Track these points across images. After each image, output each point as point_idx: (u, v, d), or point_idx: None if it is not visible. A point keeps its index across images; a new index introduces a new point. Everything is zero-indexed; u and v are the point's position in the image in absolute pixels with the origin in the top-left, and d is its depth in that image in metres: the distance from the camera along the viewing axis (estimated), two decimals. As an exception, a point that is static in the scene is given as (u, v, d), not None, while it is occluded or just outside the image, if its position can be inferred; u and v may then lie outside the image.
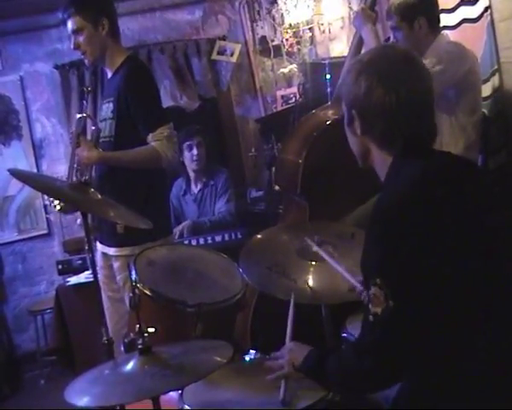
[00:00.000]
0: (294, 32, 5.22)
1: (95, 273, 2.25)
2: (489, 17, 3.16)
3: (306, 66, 4.90)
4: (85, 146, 2.90)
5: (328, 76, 3.96)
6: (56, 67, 5.20)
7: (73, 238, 5.10)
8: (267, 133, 5.09)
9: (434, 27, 3.00)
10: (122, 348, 1.86)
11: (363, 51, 3.16)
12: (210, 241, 4.25)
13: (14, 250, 5.33)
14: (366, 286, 1.53)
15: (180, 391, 1.89)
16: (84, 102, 3.21)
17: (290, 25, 5.20)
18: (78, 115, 3.03)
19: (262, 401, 1.82)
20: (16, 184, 5.08)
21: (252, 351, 2.21)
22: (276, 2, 5.25)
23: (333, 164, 3.12)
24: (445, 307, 1.48)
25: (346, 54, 3.81)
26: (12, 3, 4.75)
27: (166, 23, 5.38)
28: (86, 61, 3.06)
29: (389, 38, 3.37)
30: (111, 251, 3.02)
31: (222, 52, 5.32)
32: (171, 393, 1.87)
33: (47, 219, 5.33)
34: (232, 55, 5.30)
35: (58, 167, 5.21)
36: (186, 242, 4.15)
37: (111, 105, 2.97)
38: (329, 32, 5.25)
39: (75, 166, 2.90)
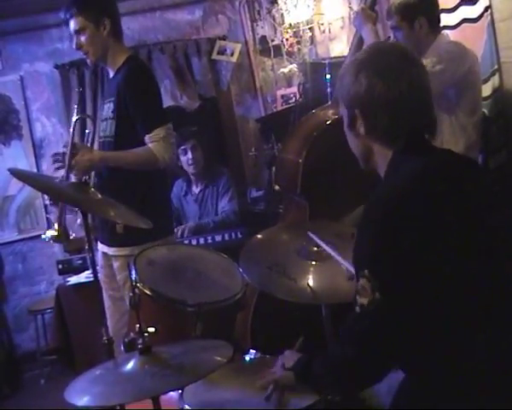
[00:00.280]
0: (294, 32, 5.22)
1: (95, 273, 2.25)
2: (489, 17, 3.16)
3: (306, 66, 4.89)
4: (83, 150, 2.91)
5: (328, 76, 3.96)
6: (56, 66, 5.20)
7: (73, 238, 5.10)
8: (267, 133, 5.09)
9: (435, 27, 3.00)
10: (122, 348, 1.86)
11: (361, 51, 3.16)
12: (210, 240, 4.24)
13: (14, 250, 5.34)
14: (356, 277, 1.53)
15: (180, 391, 1.89)
16: (75, 105, 3.21)
17: (290, 24, 5.20)
18: (74, 118, 3.03)
19: (262, 401, 1.82)
20: (16, 183, 5.08)
21: (252, 351, 2.21)
22: (277, 2, 5.25)
23: (333, 164, 3.12)
24: (438, 304, 1.48)
25: (346, 54, 3.82)
26: (12, 3, 4.75)
27: (167, 23, 5.38)
28: (88, 61, 3.06)
29: (389, 38, 3.37)
30: (111, 251, 3.02)
31: (222, 52, 5.32)
32: (171, 393, 1.87)
33: (47, 218, 5.33)
34: (232, 54, 5.30)
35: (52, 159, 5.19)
36: (186, 241, 4.15)
37: (111, 105, 2.98)
38: (329, 31, 5.25)
39: (75, 175, 2.88)
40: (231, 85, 5.48)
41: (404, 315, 1.48)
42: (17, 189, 5.22)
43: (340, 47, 5.18)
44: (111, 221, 2.83)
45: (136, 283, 2.23)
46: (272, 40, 5.39)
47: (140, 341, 1.71)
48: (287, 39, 5.28)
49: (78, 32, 2.95)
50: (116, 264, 3.00)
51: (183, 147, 4.50)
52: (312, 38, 5.29)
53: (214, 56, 5.32)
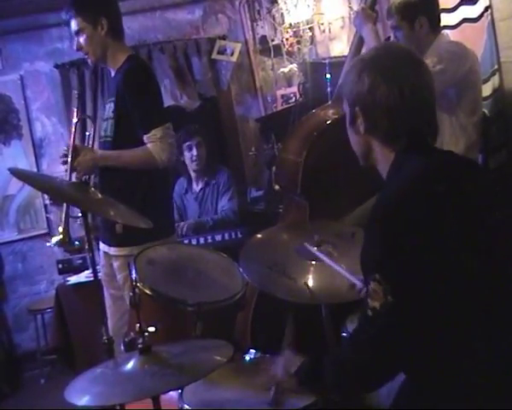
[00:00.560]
0: (295, 32, 5.22)
1: (95, 273, 2.25)
2: (489, 17, 3.16)
3: (306, 65, 4.89)
4: (85, 151, 2.93)
5: (328, 75, 3.95)
6: (56, 66, 5.20)
7: (73, 238, 5.10)
8: (267, 133, 5.09)
9: (435, 27, 3.00)
10: (122, 348, 1.86)
11: (363, 51, 3.16)
12: (210, 240, 4.25)
13: (14, 250, 5.34)
14: (365, 281, 1.53)
15: (180, 391, 1.89)
16: (74, 108, 3.21)
17: (290, 24, 5.20)
18: (74, 120, 3.04)
19: (262, 401, 1.82)
20: (16, 183, 5.08)
21: (252, 350, 2.20)
22: (277, 2, 5.25)
23: (333, 164, 3.12)
24: (443, 304, 1.48)
25: (346, 53, 3.81)
26: (12, 3, 4.75)
27: (167, 22, 5.39)
28: (89, 62, 3.08)
29: (389, 38, 3.36)
30: (111, 251, 3.03)
31: (222, 51, 5.32)
32: (171, 392, 1.87)
33: (47, 218, 5.33)
34: (232, 54, 5.30)
35: (58, 167, 5.16)
36: (186, 241, 4.15)
37: (112, 105, 2.99)
38: (329, 31, 5.24)
39: (77, 175, 2.88)
40: (231, 85, 5.48)
41: (414, 317, 1.48)
42: (17, 188, 5.22)
43: (340, 47, 5.18)
44: (111, 221, 2.84)
45: (137, 282, 2.22)
46: (272, 40, 5.40)
47: (140, 340, 1.71)
48: (287, 39, 5.28)
49: (77, 33, 2.97)
50: (116, 264, 3.00)
51: (188, 143, 4.54)
52: (312, 38, 5.29)
53: (214, 56, 5.32)
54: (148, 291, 2.23)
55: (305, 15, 5.13)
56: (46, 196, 5.12)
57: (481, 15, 3.23)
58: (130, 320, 2.39)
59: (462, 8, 3.41)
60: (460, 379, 1.49)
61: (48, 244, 3.20)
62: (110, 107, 3.01)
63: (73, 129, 2.98)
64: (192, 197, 4.68)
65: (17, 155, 5.25)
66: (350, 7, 5.09)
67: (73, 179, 2.85)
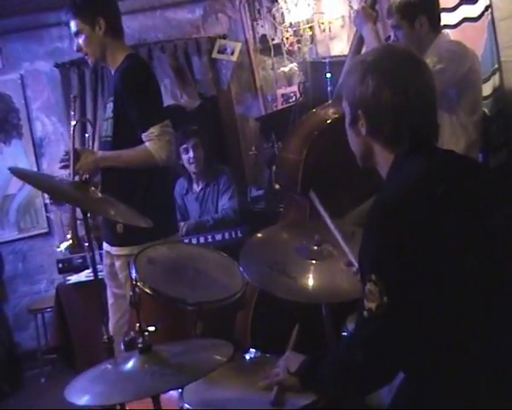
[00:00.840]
0: (295, 31, 5.22)
1: (95, 272, 2.26)
2: (489, 16, 3.15)
3: (307, 64, 4.89)
4: (86, 153, 2.95)
5: (328, 75, 3.95)
6: (57, 65, 5.20)
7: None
8: (267, 132, 5.09)
9: (435, 26, 3.00)
10: (122, 347, 1.86)
11: (363, 50, 3.16)
12: (210, 239, 4.25)
13: (14, 249, 5.34)
14: (362, 282, 1.53)
15: (180, 390, 1.89)
16: (72, 111, 3.22)
17: (290, 23, 5.20)
18: (72, 123, 3.05)
19: (262, 401, 1.82)
20: (16, 182, 5.09)
21: (252, 350, 2.21)
22: (277, 1, 5.26)
23: (333, 163, 3.12)
24: (440, 305, 1.48)
25: (346, 53, 3.81)
26: (13, 2, 4.76)
27: (167, 22, 5.39)
28: (89, 62, 3.09)
29: (389, 37, 3.36)
30: (112, 250, 3.03)
31: (222, 51, 5.32)
32: (172, 392, 1.87)
33: (47, 217, 5.34)
34: (232, 53, 5.30)
35: (58, 166, 5.22)
36: (186, 240, 4.15)
37: (111, 104, 3.00)
38: (330, 30, 5.24)
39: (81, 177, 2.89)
40: (231, 84, 5.48)
41: (411, 318, 1.48)
42: (17, 188, 5.22)
43: (341, 46, 5.18)
44: (112, 220, 2.84)
45: (137, 281, 2.22)
46: (272, 39, 5.40)
47: (140, 340, 1.71)
48: (287, 38, 5.28)
49: (76, 34, 2.98)
50: (117, 263, 3.00)
51: (184, 145, 4.53)
52: (313, 37, 5.29)
53: (214, 55, 5.32)
54: (148, 291, 2.23)
55: (305, 14, 5.14)
56: (46, 196, 5.13)
57: (481, 15, 3.22)
58: (131, 320, 2.39)
59: (463, 7, 3.41)
60: (458, 379, 1.49)
61: (58, 249, 3.22)
62: (110, 106, 3.02)
63: (72, 132, 2.98)
64: (193, 197, 4.68)
65: (17, 155, 5.26)
66: (350, 6, 5.10)
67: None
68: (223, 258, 2.62)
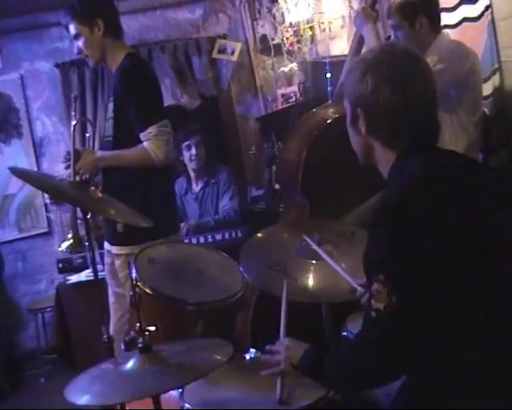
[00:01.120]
0: (295, 31, 5.22)
1: (95, 272, 2.26)
2: (489, 16, 3.15)
3: (307, 64, 4.89)
4: (86, 154, 2.95)
5: (328, 75, 3.95)
6: (57, 65, 5.20)
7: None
8: (267, 132, 5.09)
9: (435, 26, 3.00)
10: (123, 346, 1.86)
11: (363, 50, 3.16)
12: (210, 239, 4.25)
13: (14, 249, 5.34)
14: (369, 282, 1.53)
15: (181, 390, 1.89)
16: (73, 112, 3.22)
17: (291, 23, 5.20)
18: (73, 123, 3.05)
19: (262, 400, 1.82)
20: (16, 182, 5.09)
21: (252, 350, 2.21)
22: (277, 1, 5.25)
23: (333, 163, 3.12)
24: (446, 304, 1.48)
25: (346, 52, 3.81)
26: (13, 2, 4.75)
27: (167, 22, 5.38)
28: (90, 64, 3.10)
29: (390, 37, 3.36)
30: (113, 249, 3.04)
31: (222, 51, 5.32)
32: (172, 391, 1.87)
33: (47, 217, 5.33)
34: (233, 53, 5.30)
35: (58, 166, 5.20)
36: (186, 240, 4.15)
37: (112, 104, 3.01)
38: (330, 30, 5.24)
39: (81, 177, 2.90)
40: (232, 84, 5.48)
41: (418, 318, 1.48)
42: (17, 187, 5.21)
43: (341, 46, 5.18)
44: (112, 220, 2.84)
45: (137, 281, 2.23)
46: (273, 39, 5.39)
47: (140, 339, 1.71)
48: (287, 38, 5.28)
49: (75, 37, 2.99)
50: (117, 262, 3.01)
51: (187, 143, 4.55)
52: (313, 37, 5.29)
53: (215, 55, 5.32)
54: (148, 290, 2.23)
55: (305, 14, 5.14)
56: (46, 196, 5.13)
57: (482, 15, 3.22)
58: (131, 319, 2.39)
59: (463, 7, 3.41)
60: (459, 379, 1.49)
61: (59, 249, 3.22)
62: (111, 106, 3.03)
63: (72, 132, 2.99)
64: (192, 198, 4.68)
65: (17, 155, 5.25)
66: (350, 6, 5.09)
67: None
68: (223, 258, 2.62)
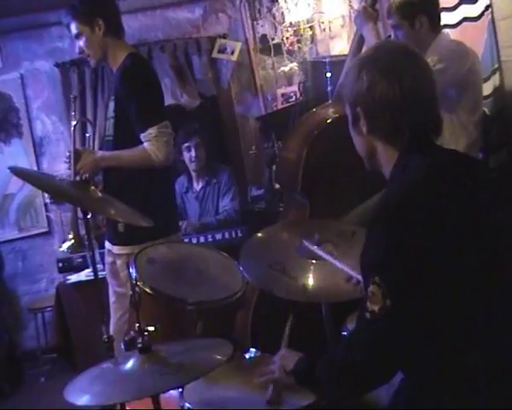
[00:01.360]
0: (295, 31, 5.22)
1: (95, 271, 2.26)
2: (490, 16, 3.15)
3: (307, 64, 4.89)
4: (86, 154, 2.96)
5: (328, 74, 3.96)
6: (57, 64, 5.20)
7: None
8: (267, 131, 5.09)
9: (435, 26, 3.00)
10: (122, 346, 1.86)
11: (363, 50, 3.16)
12: (210, 239, 4.25)
13: (14, 248, 5.34)
14: (365, 284, 1.53)
15: (181, 390, 1.89)
16: (73, 112, 3.23)
17: (291, 23, 5.21)
18: (73, 123, 3.05)
19: (262, 400, 1.82)
20: (16, 181, 5.09)
21: (252, 349, 2.21)
22: (277, 1, 5.25)
23: (333, 163, 3.12)
24: (442, 306, 1.47)
25: (346, 52, 3.82)
26: (13, 1, 4.75)
27: (167, 21, 5.38)
28: (92, 63, 3.11)
29: (390, 37, 3.36)
30: (114, 249, 3.04)
31: (222, 50, 5.32)
32: (172, 391, 1.87)
33: (47, 217, 5.34)
34: (233, 53, 5.30)
35: (58, 165, 5.21)
36: (186, 240, 4.15)
37: (112, 104, 3.01)
38: (330, 30, 5.25)
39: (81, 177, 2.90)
40: (231, 84, 5.47)
41: (412, 320, 1.47)
42: (17, 187, 5.22)
43: (341, 45, 5.18)
44: (113, 220, 2.84)
45: (137, 281, 2.23)
46: (273, 39, 5.39)
47: (140, 339, 1.71)
48: (287, 38, 5.29)
49: (76, 37, 2.99)
50: (119, 262, 3.01)
51: (186, 144, 4.55)
52: (313, 37, 5.29)
53: (214, 55, 5.32)
54: (148, 290, 2.23)
55: (305, 14, 5.14)
56: (46, 195, 5.13)
57: (482, 14, 3.22)
58: (131, 319, 2.39)
59: (463, 6, 3.41)
60: (458, 380, 1.49)
61: (61, 249, 3.23)
62: (111, 106, 3.03)
63: (73, 133, 2.99)
64: (193, 196, 4.69)
65: (17, 154, 5.26)
66: (350, 5, 5.10)
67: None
68: (223, 257, 2.62)
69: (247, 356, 2.19)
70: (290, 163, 3.39)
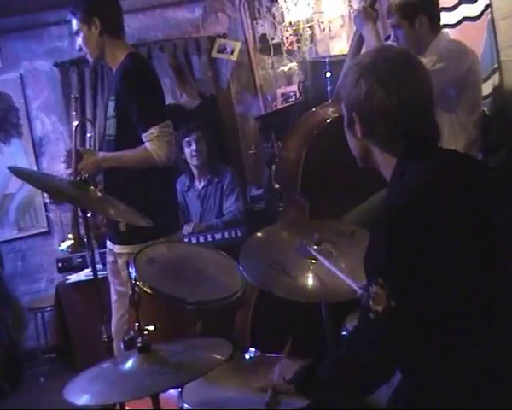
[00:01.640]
0: (294, 30, 5.22)
1: (95, 271, 2.26)
2: (489, 15, 3.15)
3: (306, 64, 4.89)
4: (87, 154, 2.97)
5: (328, 74, 3.96)
6: (56, 64, 5.19)
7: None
8: (267, 131, 5.09)
9: (435, 25, 3.00)
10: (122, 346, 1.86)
11: (363, 50, 3.16)
12: (210, 239, 4.25)
13: (14, 248, 5.34)
14: (368, 284, 1.53)
15: (180, 389, 1.89)
16: (74, 112, 3.23)
17: (290, 23, 5.20)
18: (74, 123, 3.06)
19: (261, 400, 1.82)
20: (16, 181, 5.08)
21: (251, 349, 2.21)
22: (277, 1, 5.25)
23: (333, 162, 3.12)
24: (446, 307, 1.48)
25: (346, 52, 3.81)
26: (12, 1, 4.75)
27: (166, 21, 5.38)
28: (90, 61, 3.13)
29: (389, 37, 3.36)
30: (115, 248, 3.05)
31: (222, 50, 5.32)
32: (171, 391, 1.87)
33: (47, 216, 5.33)
34: (232, 53, 5.30)
35: (58, 165, 5.22)
36: (186, 240, 4.15)
37: (113, 103, 3.01)
38: (329, 30, 5.24)
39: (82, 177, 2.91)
40: (231, 84, 5.47)
41: (415, 320, 1.48)
42: (17, 187, 5.22)
43: (341, 45, 5.18)
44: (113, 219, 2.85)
45: (136, 281, 2.23)
46: (272, 38, 5.39)
47: (139, 339, 1.71)
48: (287, 38, 5.28)
49: (76, 33, 3.02)
50: (120, 261, 3.02)
51: (187, 139, 4.54)
52: (312, 37, 5.29)
53: (214, 54, 5.32)
54: (147, 290, 2.23)
55: (305, 14, 5.13)
56: (46, 195, 5.13)
57: (481, 14, 3.22)
58: (130, 319, 2.39)
59: (462, 6, 3.41)
60: (458, 380, 1.49)
61: (60, 248, 3.23)
62: (111, 105, 3.03)
63: (74, 133, 2.99)
64: (194, 195, 4.67)
65: (17, 154, 5.25)
66: (350, 5, 5.09)
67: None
68: (222, 257, 2.62)
69: (246, 356, 2.18)
70: (290, 163, 3.39)
